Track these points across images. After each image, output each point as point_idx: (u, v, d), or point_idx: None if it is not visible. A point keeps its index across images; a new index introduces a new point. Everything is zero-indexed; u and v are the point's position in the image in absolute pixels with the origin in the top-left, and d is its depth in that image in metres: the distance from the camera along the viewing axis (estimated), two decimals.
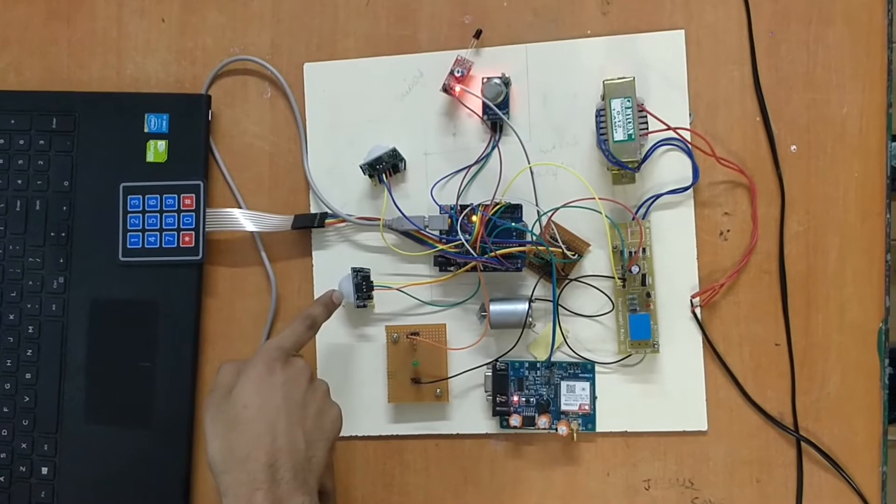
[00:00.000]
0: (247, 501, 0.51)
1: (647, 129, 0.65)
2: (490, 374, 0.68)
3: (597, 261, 0.68)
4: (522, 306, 0.66)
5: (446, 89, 0.68)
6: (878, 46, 0.67)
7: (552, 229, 0.67)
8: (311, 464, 0.55)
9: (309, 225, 0.70)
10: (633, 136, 0.63)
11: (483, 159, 0.68)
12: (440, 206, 0.68)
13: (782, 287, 0.67)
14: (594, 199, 0.65)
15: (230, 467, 0.53)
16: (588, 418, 0.68)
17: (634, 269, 0.65)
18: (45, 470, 0.70)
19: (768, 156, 0.67)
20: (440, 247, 0.66)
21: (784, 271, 0.67)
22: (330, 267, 0.70)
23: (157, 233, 0.70)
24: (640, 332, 0.65)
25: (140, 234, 0.70)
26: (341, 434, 0.69)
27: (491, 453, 0.69)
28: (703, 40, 0.68)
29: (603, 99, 0.64)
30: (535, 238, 0.66)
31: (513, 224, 0.66)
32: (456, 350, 0.69)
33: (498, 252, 0.65)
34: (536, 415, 0.67)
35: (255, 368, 0.56)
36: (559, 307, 0.67)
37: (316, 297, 0.69)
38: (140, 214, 0.70)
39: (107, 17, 0.74)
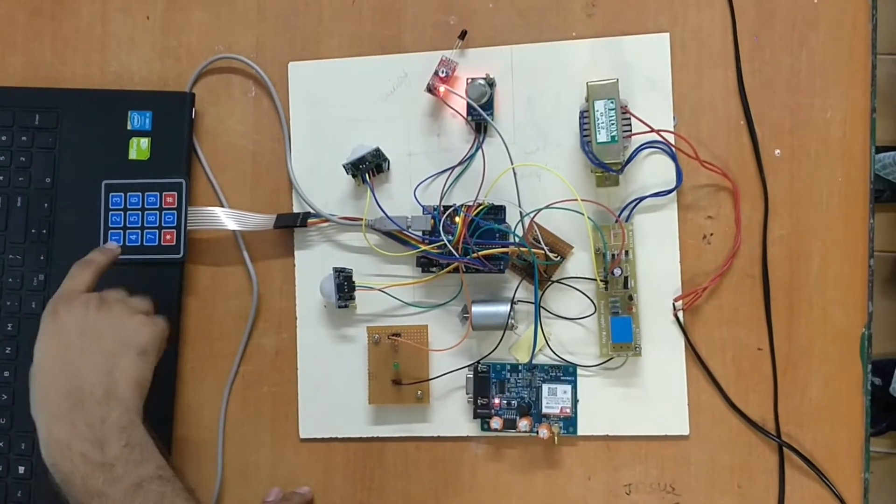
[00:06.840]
0: (65, 444, 0.56)
1: (631, 131, 0.64)
2: (471, 376, 0.67)
3: (579, 263, 0.67)
4: (504, 308, 0.66)
5: (430, 90, 0.67)
6: (862, 51, 0.66)
7: (535, 231, 0.66)
8: (113, 375, 0.58)
9: (291, 224, 0.69)
10: (616, 138, 0.63)
11: (467, 160, 0.68)
12: (423, 206, 0.67)
13: (765, 291, 0.67)
14: (577, 200, 0.65)
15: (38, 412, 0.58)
16: (569, 422, 0.67)
17: (617, 271, 0.65)
18: (21, 469, 0.69)
19: (752, 160, 0.67)
20: (423, 247, 0.66)
21: (767, 276, 0.66)
22: (312, 267, 0.70)
23: (139, 231, 0.69)
24: (621, 335, 0.65)
25: (121, 231, 0.69)
26: (321, 435, 0.70)
27: (471, 456, 0.69)
28: (688, 43, 0.68)
29: (587, 100, 0.64)
30: (517, 239, 0.66)
31: (495, 225, 0.65)
32: (437, 351, 0.68)
33: (480, 253, 0.64)
34: (517, 418, 0.67)
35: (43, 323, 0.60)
36: (541, 309, 0.67)
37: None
38: (122, 212, 0.69)
39: (91, 14, 0.74)
